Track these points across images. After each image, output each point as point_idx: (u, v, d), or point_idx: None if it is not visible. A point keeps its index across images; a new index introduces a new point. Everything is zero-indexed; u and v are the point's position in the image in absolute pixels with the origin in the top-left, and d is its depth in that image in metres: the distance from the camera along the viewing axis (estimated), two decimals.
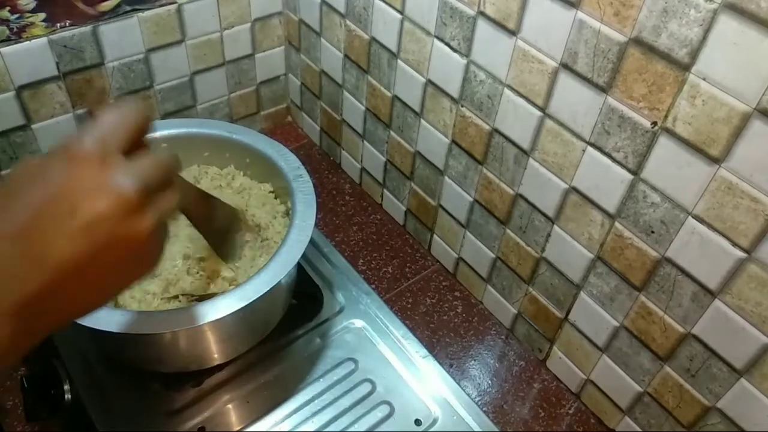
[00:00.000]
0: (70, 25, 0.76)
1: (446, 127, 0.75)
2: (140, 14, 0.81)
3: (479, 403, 0.72)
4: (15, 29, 0.73)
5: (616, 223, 0.60)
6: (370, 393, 0.65)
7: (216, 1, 0.87)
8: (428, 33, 0.71)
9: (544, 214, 0.68)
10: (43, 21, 0.74)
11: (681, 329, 0.58)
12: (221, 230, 0.60)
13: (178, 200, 0.36)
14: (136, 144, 0.35)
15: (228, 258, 0.62)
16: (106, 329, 0.51)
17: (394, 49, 0.77)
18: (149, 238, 0.33)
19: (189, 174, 0.71)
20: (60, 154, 0.32)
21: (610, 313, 0.65)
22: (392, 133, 0.86)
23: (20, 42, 0.74)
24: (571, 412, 0.73)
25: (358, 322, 0.71)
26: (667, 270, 0.57)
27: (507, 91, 0.65)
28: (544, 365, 0.77)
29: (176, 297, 0.61)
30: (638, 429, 0.68)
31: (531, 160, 0.66)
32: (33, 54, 0.75)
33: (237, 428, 0.61)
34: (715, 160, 0.49)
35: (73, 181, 0.32)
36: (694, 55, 0.47)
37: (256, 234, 0.65)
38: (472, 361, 0.77)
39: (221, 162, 0.71)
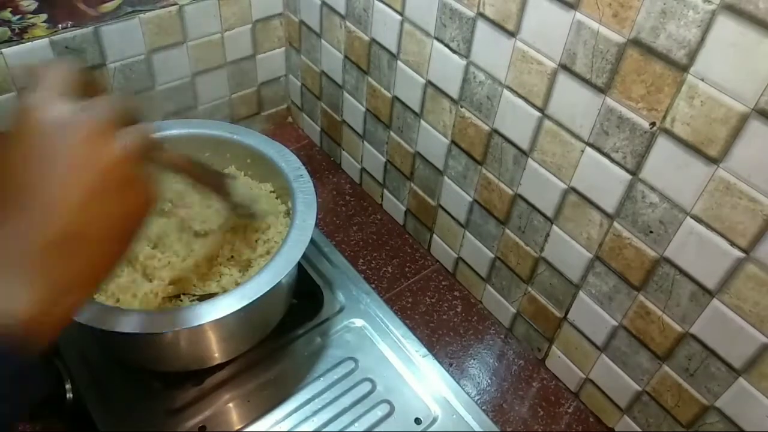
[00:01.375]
0: (72, 26, 0.77)
1: (446, 127, 0.76)
2: (141, 15, 0.81)
3: (479, 402, 0.73)
4: (17, 30, 0.73)
5: (615, 223, 0.60)
6: (370, 392, 0.65)
7: (217, 2, 0.87)
8: (428, 34, 0.71)
9: (543, 214, 0.68)
10: (45, 22, 0.75)
11: (679, 329, 0.59)
12: (226, 192, 0.60)
13: (152, 128, 0.38)
14: (89, 91, 0.37)
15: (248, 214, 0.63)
16: (108, 329, 0.51)
17: (394, 50, 0.78)
18: (130, 161, 0.35)
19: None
20: (22, 119, 0.34)
21: (608, 313, 0.65)
22: (392, 133, 0.86)
23: (22, 43, 0.74)
24: (570, 411, 0.74)
25: (358, 322, 0.71)
26: (665, 270, 0.57)
27: (506, 91, 0.65)
28: (543, 364, 0.78)
29: (177, 297, 0.61)
30: (637, 428, 0.68)
31: (530, 161, 0.66)
32: (34, 55, 0.75)
33: (238, 427, 0.61)
34: (714, 161, 0.49)
35: (39, 138, 0.34)
36: (693, 55, 0.47)
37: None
38: (472, 361, 0.78)
39: (222, 162, 0.72)
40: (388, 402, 0.64)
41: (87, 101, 0.35)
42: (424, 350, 0.69)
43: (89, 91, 0.37)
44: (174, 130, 0.70)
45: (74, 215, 0.33)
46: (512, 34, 0.61)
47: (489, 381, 0.76)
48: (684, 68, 0.48)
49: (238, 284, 0.59)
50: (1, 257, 0.32)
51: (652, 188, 0.55)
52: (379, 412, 0.63)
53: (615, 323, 0.65)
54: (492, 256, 0.78)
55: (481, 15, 0.63)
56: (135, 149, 0.35)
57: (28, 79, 0.36)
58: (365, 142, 0.93)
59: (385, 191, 0.94)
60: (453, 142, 0.76)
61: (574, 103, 0.58)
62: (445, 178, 0.80)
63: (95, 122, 0.34)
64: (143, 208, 0.37)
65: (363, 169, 0.97)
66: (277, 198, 0.71)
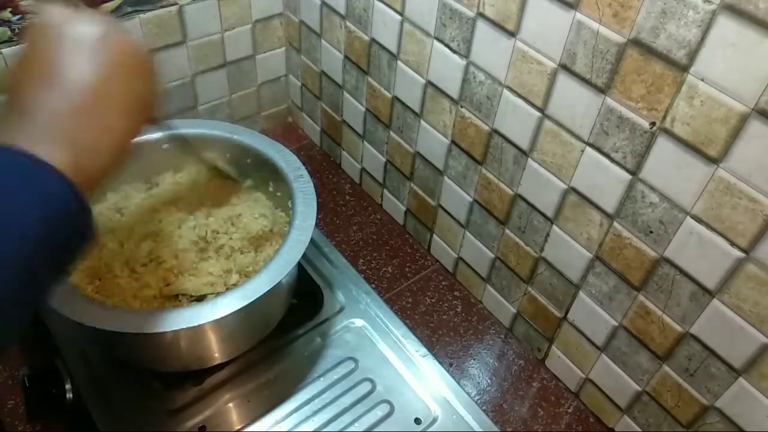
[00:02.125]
0: None
1: (446, 127, 0.76)
2: (141, 15, 0.81)
3: (479, 402, 0.73)
4: (16, 30, 0.73)
5: (615, 223, 0.60)
6: (370, 392, 0.65)
7: (217, 2, 0.87)
8: (428, 34, 0.71)
9: (543, 214, 0.68)
10: None
11: (679, 329, 0.59)
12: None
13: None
14: None
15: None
16: (108, 329, 0.51)
17: (394, 50, 0.78)
18: (140, 48, 0.40)
19: (189, 174, 0.71)
20: (48, 15, 0.40)
21: (608, 313, 0.65)
22: (392, 133, 0.86)
23: (22, 43, 0.74)
24: (570, 411, 0.74)
25: (358, 322, 0.71)
26: (665, 270, 0.57)
27: (506, 91, 0.65)
28: (543, 364, 0.78)
29: (176, 297, 0.61)
30: (637, 428, 0.68)
31: (530, 161, 0.66)
32: None
33: (238, 427, 0.61)
34: (714, 161, 0.49)
35: (71, 24, 0.39)
36: (693, 55, 0.47)
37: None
38: (472, 360, 0.78)
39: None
40: (388, 402, 0.64)
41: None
42: (424, 350, 0.69)
43: None
44: (174, 130, 0.70)
45: (96, 90, 0.38)
46: (512, 34, 0.61)
47: (489, 381, 0.76)
48: (684, 68, 0.48)
49: (238, 284, 0.59)
50: (35, 125, 0.36)
51: (652, 188, 0.55)
52: (379, 412, 0.63)
53: (615, 323, 0.65)
54: (492, 256, 0.78)
55: (481, 15, 0.63)
56: (140, 41, 0.40)
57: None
58: (365, 142, 0.93)
59: (385, 191, 0.94)
60: (453, 142, 0.76)
61: (574, 103, 0.58)
62: (445, 178, 0.80)
63: (113, 20, 0.38)
64: (154, 88, 0.42)
65: (363, 169, 0.97)
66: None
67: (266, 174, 0.70)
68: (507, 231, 0.74)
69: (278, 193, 0.69)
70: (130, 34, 0.40)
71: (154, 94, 0.43)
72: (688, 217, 0.53)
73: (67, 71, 0.38)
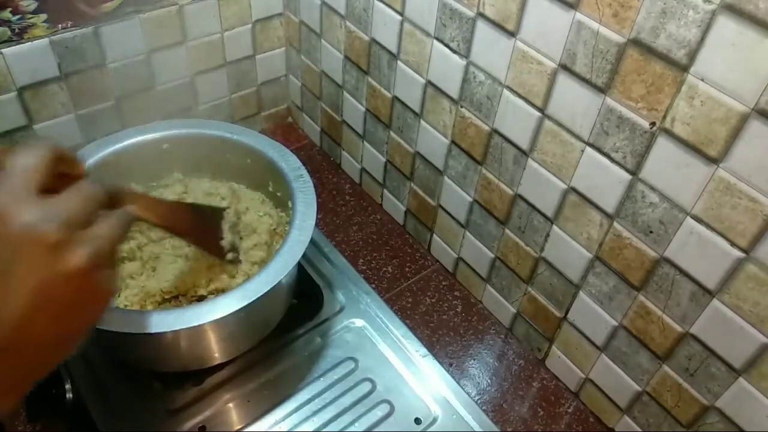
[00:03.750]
0: (72, 26, 0.77)
1: (446, 127, 0.76)
2: (141, 15, 0.81)
3: (479, 402, 0.73)
4: (16, 30, 0.73)
5: (615, 223, 0.60)
6: (370, 392, 0.65)
7: (217, 2, 0.87)
8: (428, 34, 0.71)
9: (543, 214, 0.68)
10: (45, 22, 0.75)
11: (679, 329, 0.59)
12: (211, 233, 0.60)
13: (125, 218, 0.37)
14: (62, 178, 0.36)
15: (228, 260, 0.62)
16: (108, 329, 0.51)
17: (394, 50, 0.78)
18: (85, 272, 0.33)
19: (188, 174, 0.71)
20: None
21: (608, 313, 0.65)
22: (392, 133, 0.86)
23: (22, 43, 0.74)
24: (570, 411, 0.74)
25: (359, 322, 0.71)
26: (665, 270, 0.57)
27: (506, 91, 0.65)
28: (543, 364, 0.78)
29: (176, 297, 0.61)
30: (637, 428, 0.68)
31: (530, 161, 0.66)
32: (34, 55, 0.75)
33: (237, 427, 0.61)
34: (714, 161, 0.49)
35: (2, 246, 0.32)
36: (693, 55, 0.47)
37: (238, 230, 0.65)
38: (472, 361, 0.78)
39: (222, 162, 0.72)
40: (388, 402, 0.64)
41: (54, 200, 0.34)
42: (424, 350, 0.69)
43: (63, 176, 0.36)
44: (174, 130, 0.70)
45: (15, 327, 0.32)
46: (512, 34, 0.61)
47: (489, 381, 0.76)
48: (684, 68, 0.48)
49: (238, 284, 0.59)
50: None
51: (652, 188, 0.55)
52: (379, 412, 0.63)
53: (615, 323, 0.65)
54: (492, 256, 0.78)
55: (481, 15, 0.63)
56: (93, 259, 0.34)
57: None
58: (365, 142, 0.93)
59: (385, 191, 0.94)
60: (453, 142, 0.76)
61: (574, 103, 0.58)
62: (445, 178, 0.80)
63: (55, 232, 0.33)
64: (95, 315, 0.36)
65: (363, 169, 0.97)
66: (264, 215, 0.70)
67: (266, 174, 0.70)
68: (507, 231, 0.74)
69: (278, 193, 0.69)
70: (88, 248, 0.34)
71: (100, 318, 0.37)
72: (688, 217, 0.53)
73: None
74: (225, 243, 0.61)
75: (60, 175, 0.36)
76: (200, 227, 0.58)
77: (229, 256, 0.62)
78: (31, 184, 0.34)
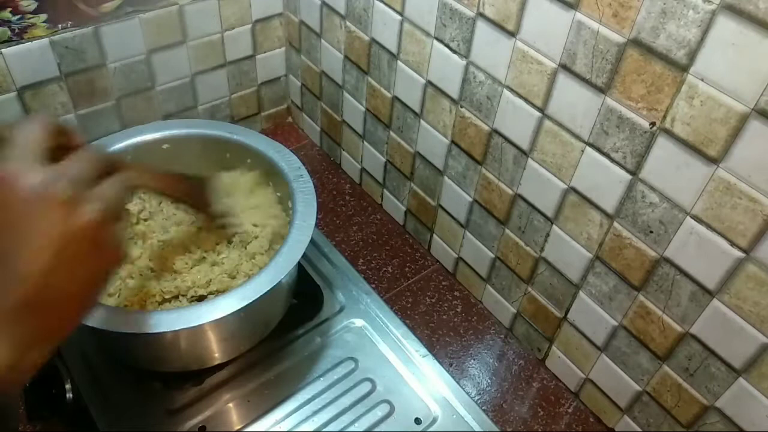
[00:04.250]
0: (72, 26, 0.77)
1: (446, 127, 0.76)
2: (141, 15, 0.81)
3: (479, 402, 0.73)
4: (16, 30, 0.73)
5: (615, 223, 0.60)
6: (370, 392, 0.65)
7: (217, 2, 0.87)
8: (428, 34, 0.71)
9: (543, 214, 0.68)
10: (45, 22, 0.75)
11: (679, 329, 0.59)
12: (202, 199, 0.61)
13: (126, 181, 0.39)
14: (62, 150, 0.37)
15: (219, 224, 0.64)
16: (108, 329, 0.51)
17: (394, 50, 0.78)
18: (98, 226, 0.36)
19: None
20: None
21: (608, 313, 0.65)
22: (392, 133, 0.86)
23: (22, 43, 0.74)
24: (570, 411, 0.74)
25: (358, 322, 0.71)
26: (665, 270, 0.57)
27: (506, 91, 0.65)
28: (543, 364, 0.78)
29: (176, 297, 0.61)
30: (637, 428, 0.68)
31: (530, 161, 0.66)
32: (34, 55, 0.75)
33: (237, 427, 0.61)
34: (714, 161, 0.49)
35: (11, 207, 0.35)
36: (693, 55, 0.47)
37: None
38: (472, 361, 0.78)
39: (221, 163, 0.72)
40: (388, 402, 0.64)
41: (59, 165, 0.36)
42: (424, 350, 0.69)
43: (62, 148, 0.38)
44: (174, 130, 0.70)
45: (39, 282, 0.34)
46: (512, 34, 0.61)
47: (489, 381, 0.76)
48: (684, 68, 0.48)
49: (238, 284, 0.59)
50: None
51: (652, 188, 0.55)
52: (379, 412, 0.63)
53: (615, 323, 0.65)
54: (492, 256, 0.78)
55: (481, 15, 0.63)
56: (104, 213, 0.36)
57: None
58: (365, 142, 0.93)
59: (385, 191, 0.94)
60: (453, 142, 0.76)
61: (574, 103, 0.58)
62: (445, 178, 0.80)
63: (65, 191, 0.35)
64: (109, 268, 0.39)
65: (363, 169, 0.97)
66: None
67: (266, 174, 0.70)
68: (507, 231, 0.74)
69: (278, 193, 0.69)
70: (96, 205, 0.36)
71: (114, 271, 0.39)
72: (688, 217, 0.53)
73: (12, 260, 0.34)
74: (216, 210, 0.63)
75: (59, 147, 0.38)
76: (193, 193, 0.60)
77: (222, 221, 0.63)
78: (36, 152, 0.36)
